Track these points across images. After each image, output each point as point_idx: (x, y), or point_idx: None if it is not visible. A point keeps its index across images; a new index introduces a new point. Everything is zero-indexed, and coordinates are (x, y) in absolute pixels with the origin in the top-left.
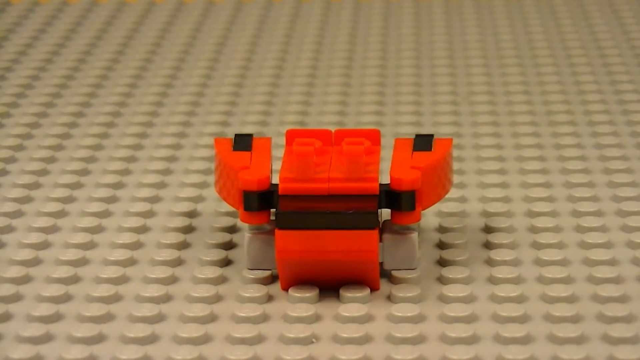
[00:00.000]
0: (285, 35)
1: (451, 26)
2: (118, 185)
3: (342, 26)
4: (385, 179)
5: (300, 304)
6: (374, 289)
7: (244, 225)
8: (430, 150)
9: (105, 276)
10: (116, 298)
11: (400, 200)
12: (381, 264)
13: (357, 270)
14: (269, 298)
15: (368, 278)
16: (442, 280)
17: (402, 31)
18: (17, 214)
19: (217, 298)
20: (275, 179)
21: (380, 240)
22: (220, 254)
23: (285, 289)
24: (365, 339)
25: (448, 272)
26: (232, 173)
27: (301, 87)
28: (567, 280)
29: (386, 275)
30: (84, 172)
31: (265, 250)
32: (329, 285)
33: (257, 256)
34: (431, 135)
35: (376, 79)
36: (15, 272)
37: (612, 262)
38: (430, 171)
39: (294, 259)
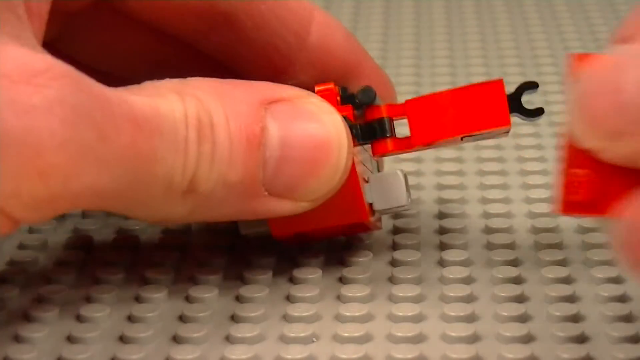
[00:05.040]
0: None
1: (451, 25)
2: None
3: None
4: None
5: (300, 303)
6: (362, 221)
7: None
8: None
9: (111, 277)
10: (117, 298)
11: (374, 129)
12: (372, 205)
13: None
14: (270, 298)
15: (358, 221)
16: (442, 280)
17: (403, 30)
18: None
19: (218, 298)
20: None
21: (367, 181)
22: (220, 255)
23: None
24: (366, 338)
25: (449, 272)
26: None
27: None
28: (567, 280)
29: (387, 275)
30: None
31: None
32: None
33: (251, 222)
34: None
35: None
36: (15, 273)
37: (613, 263)
38: (427, 103)
39: (289, 235)
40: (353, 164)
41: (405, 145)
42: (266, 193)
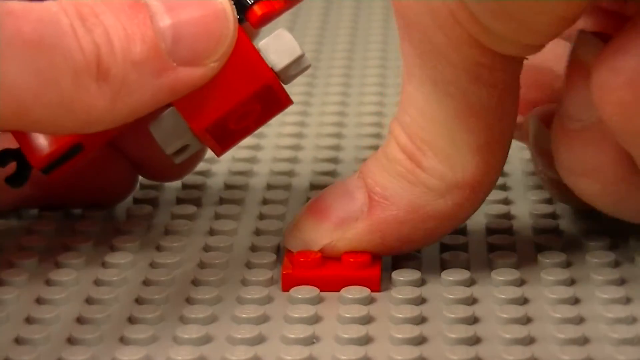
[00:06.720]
0: None
1: None
2: None
3: (343, 25)
4: None
5: (301, 304)
6: (269, 80)
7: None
8: None
9: (106, 279)
10: (116, 300)
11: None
12: (274, 70)
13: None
14: (270, 299)
15: (276, 97)
16: (443, 282)
17: None
18: (15, 215)
19: (218, 300)
20: None
21: (259, 50)
22: (220, 256)
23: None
24: (366, 340)
25: (449, 274)
26: None
27: (301, 87)
28: (568, 282)
29: (387, 276)
30: None
31: (175, 124)
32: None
33: (170, 134)
34: None
35: (376, 79)
36: (15, 273)
37: (613, 264)
38: None
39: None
40: (242, 32)
41: (274, 4)
42: (175, 64)
